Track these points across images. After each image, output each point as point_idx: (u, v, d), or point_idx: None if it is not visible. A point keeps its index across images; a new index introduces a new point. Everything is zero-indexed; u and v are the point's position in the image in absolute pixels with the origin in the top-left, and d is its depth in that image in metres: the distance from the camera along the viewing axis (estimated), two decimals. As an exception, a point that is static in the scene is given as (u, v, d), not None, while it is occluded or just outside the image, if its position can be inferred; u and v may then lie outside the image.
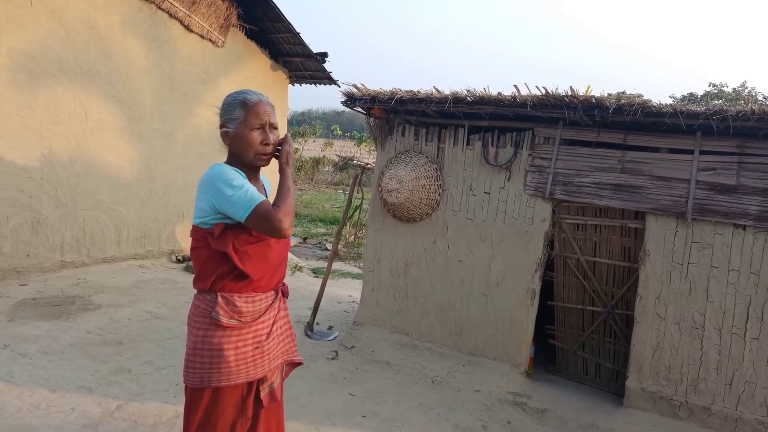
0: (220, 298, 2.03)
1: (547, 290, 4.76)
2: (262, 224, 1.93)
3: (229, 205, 1.94)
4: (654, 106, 3.90)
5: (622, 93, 4.38)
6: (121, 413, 3.40)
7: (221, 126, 2.10)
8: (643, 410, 4.13)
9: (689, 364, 4.04)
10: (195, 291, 2.13)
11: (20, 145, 5.70)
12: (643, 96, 4.15)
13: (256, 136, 2.07)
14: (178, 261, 7.65)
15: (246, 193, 1.93)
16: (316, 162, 27.26)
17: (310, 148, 29.81)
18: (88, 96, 6.36)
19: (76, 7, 6.09)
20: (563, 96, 4.13)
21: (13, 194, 5.68)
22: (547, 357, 5.05)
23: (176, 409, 3.48)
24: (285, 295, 2.31)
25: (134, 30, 6.83)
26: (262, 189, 2.24)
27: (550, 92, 4.19)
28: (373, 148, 24.28)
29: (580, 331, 4.74)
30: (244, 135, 2.06)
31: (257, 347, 2.10)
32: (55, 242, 6.17)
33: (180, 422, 3.30)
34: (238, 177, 1.98)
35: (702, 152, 4.01)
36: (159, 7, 7.05)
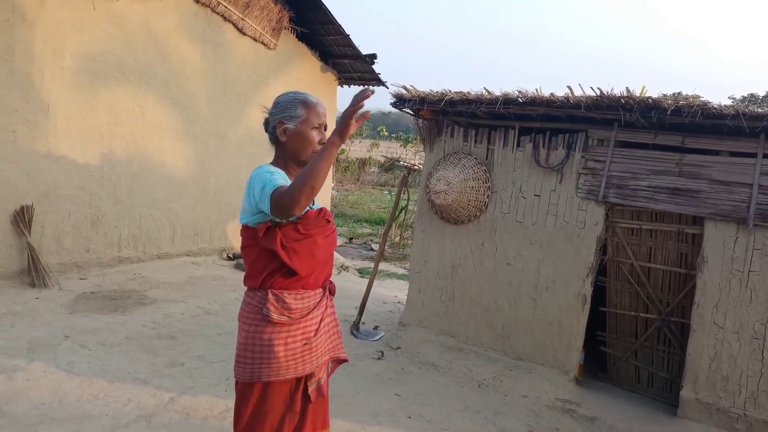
0: (270, 295, 2.07)
1: (598, 296, 4.65)
2: (277, 212, 1.85)
3: (262, 203, 1.94)
4: (714, 108, 3.76)
5: (679, 93, 4.24)
6: (174, 405, 3.51)
7: (280, 123, 2.13)
8: (699, 422, 3.98)
9: (749, 376, 3.87)
10: (245, 288, 2.18)
11: (82, 144, 5.95)
12: (701, 97, 4.02)
13: (315, 135, 2.14)
14: (229, 258, 7.82)
15: (273, 181, 1.90)
16: (362, 163, 27.43)
17: (356, 149, 30.04)
18: (145, 98, 6.58)
19: (135, 11, 6.31)
20: (618, 97, 4.03)
21: (74, 191, 5.92)
22: (598, 364, 4.93)
23: (227, 403, 3.56)
24: (332, 292, 2.34)
25: (190, 33, 7.03)
26: None
27: (605, 93, 4.09)
28: (419, 149, 24.26)
29: (633, 338, 4.61)
30: (305, 133, 2.12)
31: (306, 343, 2.13)
32: (113, 238, 6.41)
33: (230, 416, 3.37)
34: (271, 176, 1.96)
35: (766, 156, 3.84)
36: (214, 11, 7.22)
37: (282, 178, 1.99)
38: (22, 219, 5.38)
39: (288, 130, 2.12)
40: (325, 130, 2.19)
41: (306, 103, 2.14)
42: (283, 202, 1.82)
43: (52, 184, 5.70)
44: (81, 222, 6.03)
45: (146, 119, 6.62)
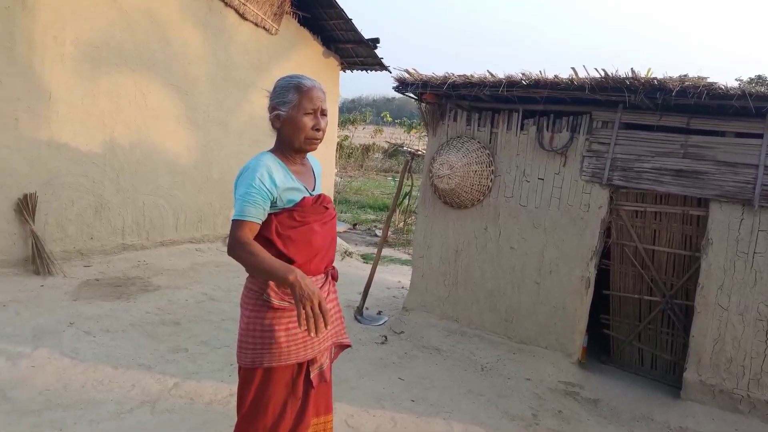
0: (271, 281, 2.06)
1: (602, 279, 4.64)
2: (229, 237, 2.03)
3: (235, 201, 2.03)
4: (720, 89, 3.71)
5: (685, 75, 4.19)
6: (179, 390, 3.53)
7: (273, 109, 2.11)
8: (702, 403, 3.98)
9: (752, 357, 3.86)
10: (247, 274, 2.18)
11: (84, 132, 5.94)
12: (707, 78, 3.96)
13: (308, 120, 2.08)
14: (233, 245, 7.83)
15: (244, 204, 1.99)
16: (366, 149, 27.38)
17: (360, 135, 29.99)
18: (147, 84, 6.55)
19: (136, -3, 6.27)
20: (623, 78, 3.98)
21: (77, 179, 5.93)
22: (601, 347, 4.93)
23: (230, 388, 3.58)
24: (334, 278, 2.33)
25: (191, 19, 6.98)
26: (311, 171, 2.24)
27: (610, 74, 4.04)
28: (423, 134, 24.16)
29: (637, 321, 4.60)
30: (296, 119, 2.07)
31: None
32: (117, 225, 6.42)
33: (234, 401, 3.39)
34: (259, 182, 1.99)
35: (772, 136, 3.80)
36: (215, -4, 7.17)
37: (261, 196, 1.99)
38: (26, 207, 5.39)
39: (280, 116, 2.09)
40: (323, 115, 2.14)
41: (299, 88, 2.08)
42: (229, 245, 2.02)
43: (55, 172, 5.70)
44: (84, 209, 6.03)
45: (148, 106, 6.60)
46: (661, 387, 4.39)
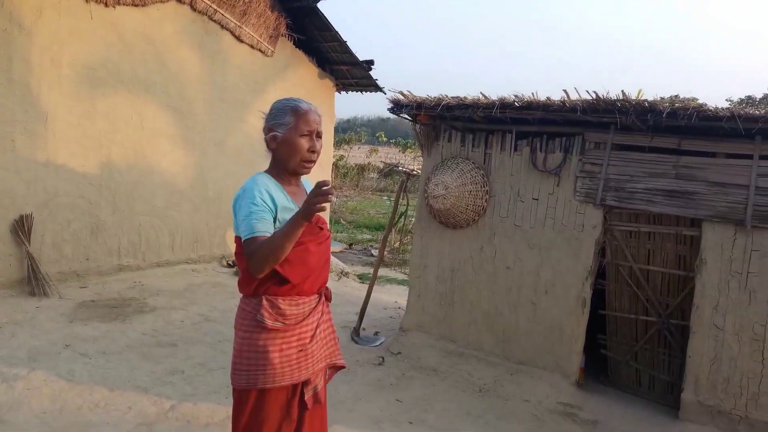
0: (264, 301, 2.08)
1: (598, 299, 4.65)
2: (246, 257, 1.97)
3: (237, 225, 2.03)
4: (710, 110, 3.77)
5: (676, 96, 4.25)
6: (175, 413, 3.51)
7: (269, 130, 2.14)
8: (700, 424, 3.98)
9: (749, 378, 3.87)
10: (241, 295, 2.19)
11: (81, 153, 5.96)
12: (697, 100, 4.03)
13: (304, 142, 2.12)
14: (228, 266, 7.82)
15: (252, 221, 1.97)
16: (361, 169, 27.46)
17: (355, 155, 30.10)
18: (144, 105, 6.59)
19: (133, 19, 6.33)
20: (614, 100, 4.04)
21: (74, 200, 5.93)
22: (599, 367, 4.93)
23: (227, 410, 3.54)
24: (328, 299, 2.34)
25: (188, 41, 7.05)
26: (304, 194, 2.24)
27: (601, 96, 4.10)
28: (418, 154, 24.29)
29: (633, 341, 4.61)
30: (292, 140, 2.10)
31: (301, 350, 2.14)
32: (113, 246, 6.41)
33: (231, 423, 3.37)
34: (260, 200, 2.01)
35: (762, 157, 3.85)
36: (211, 19, 7.25)
37: (266, 212, 2.00)
38: (22, 228, 5.39)
39: (276, 138, 2.11)
40: (318, 137, 2.17)
41: (296, 110, 2.12)
42: (250, 263, 1.95)
43: (52, 193, 5.71)
44: (80, 230, 6.03)
45: (145, 127, 6.64)
46: (660, 408, 4.39)
